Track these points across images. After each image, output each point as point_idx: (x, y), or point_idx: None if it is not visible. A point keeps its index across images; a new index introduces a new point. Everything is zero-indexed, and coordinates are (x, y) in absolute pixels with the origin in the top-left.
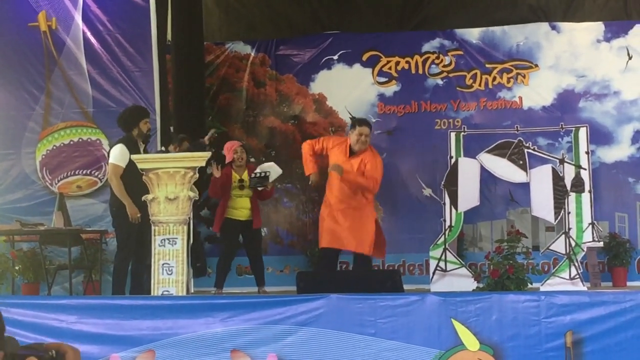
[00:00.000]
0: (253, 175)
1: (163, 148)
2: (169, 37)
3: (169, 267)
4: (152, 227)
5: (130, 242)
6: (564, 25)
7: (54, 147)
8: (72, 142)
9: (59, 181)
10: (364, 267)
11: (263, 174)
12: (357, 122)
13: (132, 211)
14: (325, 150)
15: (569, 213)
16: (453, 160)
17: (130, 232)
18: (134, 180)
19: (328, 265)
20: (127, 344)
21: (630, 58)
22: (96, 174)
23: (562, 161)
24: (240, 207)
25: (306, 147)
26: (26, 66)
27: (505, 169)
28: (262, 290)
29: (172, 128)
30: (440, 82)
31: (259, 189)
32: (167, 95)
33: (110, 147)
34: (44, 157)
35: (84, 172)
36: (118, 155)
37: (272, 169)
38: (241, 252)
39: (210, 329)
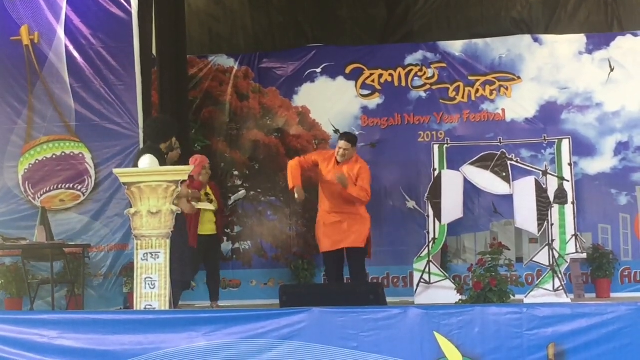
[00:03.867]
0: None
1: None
2: (154, 50)
3: (152, 281)
4: (135, 241)
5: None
6: (546, 38)
7: (37, 161)
8: (54, 156)
9: (41, 195)
10: (359, 262)
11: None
12: (340, 136)
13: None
14: (315, 164)
15: (552, 225)
16: (436, 173)
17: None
18: None
19: (334, 269)
20: (109, 359)
21: (612, 70)
22: (79, 187)
23: (545, 173)
24: (206, 222)
25: (293, 163)
26: (8, 80)
27: (488, 181)
28: (215, 305)
29: None
30: (423, 94)
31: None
32: (151, 109)
33: (137, 159)
34: (26, 171)
35: (67, 186)
36: (150, 165)
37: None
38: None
39: (193, 343)
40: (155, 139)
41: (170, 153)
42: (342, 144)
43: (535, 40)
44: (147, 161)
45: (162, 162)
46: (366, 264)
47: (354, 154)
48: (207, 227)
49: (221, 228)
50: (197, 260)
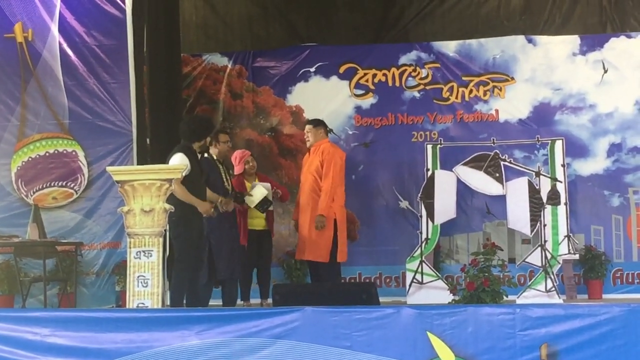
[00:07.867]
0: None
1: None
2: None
3: (145, 279)
4: (128, 240)
5: (191, 252)
6: (540, 39)
7: (30, 159)
8: (47, 154)
9: (34, 193)
10: (331, 274)
11: (262, 199)
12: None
13: (204, 208)
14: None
15: (545, 225)
16: (429, 173)
17: (191, 242)
18: (196, 187)
19: (312, 278)
20: (102, 357)
21: (605, 71)
22: (72, 185)
23: (538, 174)
24: (256, 216)
25: None
26: (1, 77)
27: (481, 182)
28: (266, 303)
29: (148, 140)
30: (417, 94)
31: (271, 209)
32: (144, 107)
33: (169, 157)
34: (19, 168)
35: (60, 183)
36: (179, 163)
37: (260, 190)
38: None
39: (185, 342)
40: (189, 138)
41: (219, 147)
42: (305, 128)
43: (529, 41)
44: (178, 159)
45: (194, 161)
46: (359, 264)
47: (320, 137)
48: (257, 221)
49: (272, 222)
50: (250, 258)
